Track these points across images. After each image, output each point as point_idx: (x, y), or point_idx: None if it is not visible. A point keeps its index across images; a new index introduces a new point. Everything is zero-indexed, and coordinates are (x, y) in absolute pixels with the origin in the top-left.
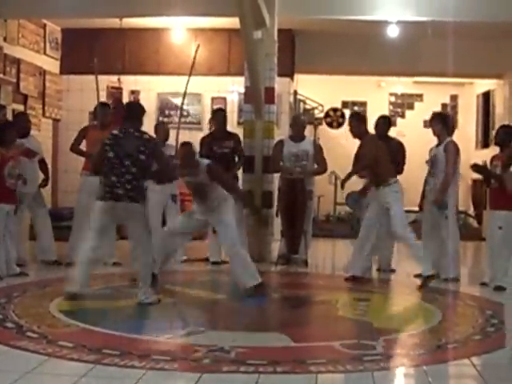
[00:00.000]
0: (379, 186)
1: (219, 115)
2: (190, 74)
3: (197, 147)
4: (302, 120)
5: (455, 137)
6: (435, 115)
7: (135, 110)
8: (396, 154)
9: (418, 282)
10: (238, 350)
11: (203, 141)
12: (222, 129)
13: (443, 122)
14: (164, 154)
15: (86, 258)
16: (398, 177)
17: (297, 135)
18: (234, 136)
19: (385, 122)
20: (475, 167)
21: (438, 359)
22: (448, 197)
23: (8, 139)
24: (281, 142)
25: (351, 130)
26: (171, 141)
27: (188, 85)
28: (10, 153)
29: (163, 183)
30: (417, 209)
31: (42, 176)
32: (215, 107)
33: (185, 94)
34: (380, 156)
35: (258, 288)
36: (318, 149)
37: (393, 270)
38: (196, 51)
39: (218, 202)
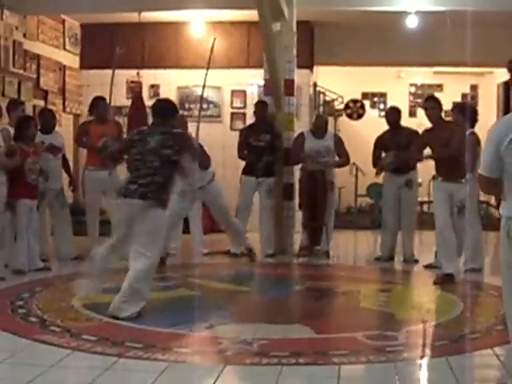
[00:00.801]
0: (453, 179)
1: (260, 107)
2: (207, 68)
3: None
4: (324, 118)
5: (476, 126)
6: (457, 106)
7: (163, 106)
8: (409, 143)
9: (429, 272)
10: (260, 342)
11: (242, 132)
12: (260, 121)
13: (463, 113)
14: (194, 143)
15: (100, 256)
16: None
17: (318, 132)
18: (273, 130)
19: (395, 113)
20: None
21: (460, 350)
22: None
23: (28, 135)
24: (302, 135)
25: (427, 114)
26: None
27: (206, 78)
28: (31, 148)
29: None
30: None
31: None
32: (259, 99)
33: (204, 88)
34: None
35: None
36: (340, 142)
37: (416, 261)
38: (213, 45)
39: None
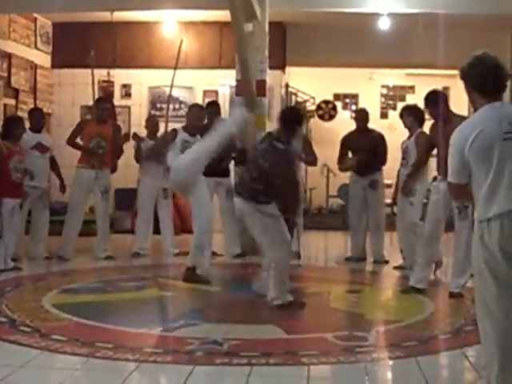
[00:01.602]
0: None
1: (212, 109)
2: (175, 68)
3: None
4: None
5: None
6: (406, 108)
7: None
8: (376, 146)
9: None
10: (230, 343)
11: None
12: (213, 122)
13: (414, 115)
14: None
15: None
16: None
17: None
18: None
19: (364, 115)
20: None
21: (430, 350)
22: (416, 185)
23: (14, 133)
24: (269, 134)
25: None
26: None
27: (174, 78)
28: (17, 147)
29: None
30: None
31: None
32: (208, 100)
33: (171, 87)
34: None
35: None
36: (308, 144)
37: (386, 261)
38: (180, 46)
39: None
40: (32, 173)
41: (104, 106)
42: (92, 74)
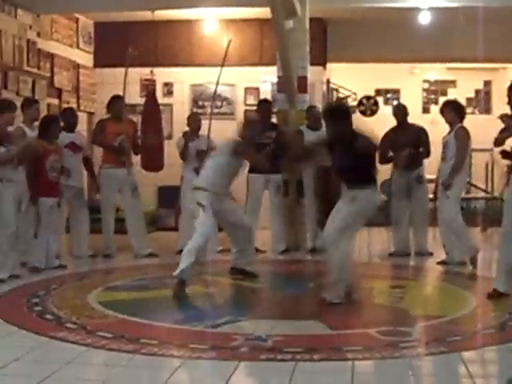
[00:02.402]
0: None
1: (263, 106)
2: (221, 68)
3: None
4: (316, 110)
5: (488, 126)
6: (447, 103)
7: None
8: (418, 140)
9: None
10: (275, 339)
11: None
12: (265, 119)
13: (455, 110)
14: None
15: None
16: (425, 161)
17: (314, 124)
18: (276, 127)
19: (402, 109)
20: (503, 153)
21: (474, 345)
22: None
23: (51, 133)
24: (300, 131)
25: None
26: (203, 131)
27: (219, 78)
28: (53, 146)
29: None
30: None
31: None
32: (261, 98)
33: (216, 87)
34: None
35: None
36: None
37: (431, 253)
38: (227, 46)
39: None
40: (69, 171)
41: (119, 104)
42: (126, 71)
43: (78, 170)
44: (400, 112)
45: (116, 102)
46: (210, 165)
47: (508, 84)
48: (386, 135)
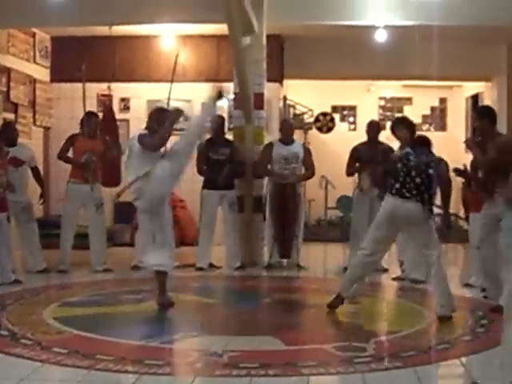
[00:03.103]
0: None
1: (216, 121)
2: (171, 82)
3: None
4: (290, 123)
5: (445, 143)
6: (399, 120)
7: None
8: (386, 158)
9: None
10: (230, 354)
11: (200, 147)
12: (218, 135)
13: (407, 126)
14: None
15: (360, 263)
16: None
17: (286, 138)
18: (230, 143)
19: (376, 126)
20: (457, 171)
21: (428, 360)
22: None
23: None
24: (270, 144)
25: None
26: None
27: (171, 93)
28: None
29: None
30: None
31: (31, 184)
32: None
33: (168, 101)
34: None
35: None
36: (308, 152)
37: (385, 270)
38: (176, 59)
39: None
40: (13, 187)
41: (94, 121)
42: (83, 88)
43: (23, 184)
44: (373, 129)
45: (88, 119)
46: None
47: (464, 103)
48: (355, 150)
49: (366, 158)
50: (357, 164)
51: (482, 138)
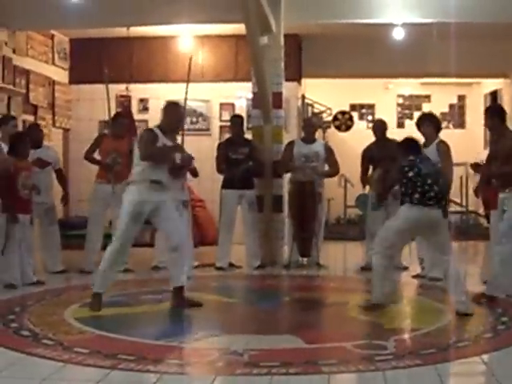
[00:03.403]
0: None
1: (235, 122)
2: (187, 85)
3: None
4: (313, 121)
5: (462, 140)
6: (424, 117)
7: None
8: (395, 154)
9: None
10: (251, 353)
11: (220, 146)
12: (238, 135)
13: (432, 123)
14: None
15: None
16: None
17: (308, 137)
18: (249, 143)
19: (381, 125)
20: (475, 166)
21: (448, 358)
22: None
23: (21, 150)
24: (292, 142)
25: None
26: None
27: (187, 94)
28: (24, 164)
29: None
30: None
31: (55, 186)
32: (234, 114)
33: (185, 102)
34: None
35: None
36: (330, 151)
37: (405, 268)
38: (190, 63)
39: None
40: (38, 188)
41: (121, 122)
42: (107, 89)
43: (48, 185)
44: (379, 128)
45: (116, 120)
46: None
47: (483, 106)
48: (365, 152)
49: (377, 157)
50: (370, 166)
51: (494, 135)
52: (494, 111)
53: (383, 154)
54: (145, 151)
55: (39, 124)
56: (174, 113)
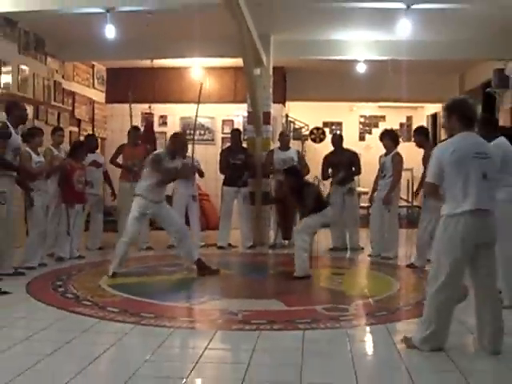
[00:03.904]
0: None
1: (234, 134)
2: (197, 105)
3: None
4: (286, 135)
5: (409, 150)
6: (386, 132)
7: None
8: (351, 161)
9: (370, 259)
10: (244, 313)
11: (222, 153)
12: (236, 144)
13: (391, 137)
14: None
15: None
16: (358, 177)
17: (283, 145)
18: (245, 150)
19: (338, 138)
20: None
21: (396, 319)
22: (392, 196)
23: (78, 154)
24: (272, 150)
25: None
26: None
27: (197, 113)
28: (78, 164)
29: None
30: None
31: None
32: (233, 128)
33: (196, 119)
34: None
35: None
36: (301, 156)
37: (362, 248)
38: (200, 89)
39: None
40: (92, 183)
41: (135, 134)
42: (130, 108)
43: (99, 181)
44: (336, 140)
45: (132, 132)
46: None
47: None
48: (326, 157)
49: (335, 162)
50: (329, 169)
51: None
52: (420, 130)
53: (339, 160)
54: (162, 181)
55: (95, 134)
56: (178, 141)
